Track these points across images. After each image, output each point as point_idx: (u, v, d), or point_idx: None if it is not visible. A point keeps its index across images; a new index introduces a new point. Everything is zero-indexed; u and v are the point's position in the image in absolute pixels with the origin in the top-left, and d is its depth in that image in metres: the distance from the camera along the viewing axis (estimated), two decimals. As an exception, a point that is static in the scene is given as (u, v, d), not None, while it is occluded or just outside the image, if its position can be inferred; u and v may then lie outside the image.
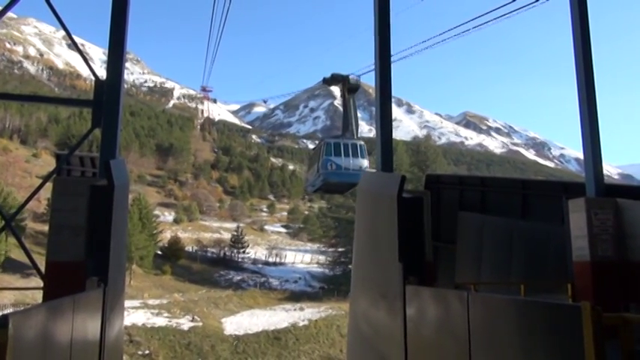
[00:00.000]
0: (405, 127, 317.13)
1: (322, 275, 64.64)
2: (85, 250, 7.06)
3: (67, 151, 18.22)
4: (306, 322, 36.20)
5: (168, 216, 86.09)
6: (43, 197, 52.40)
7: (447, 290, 7.59)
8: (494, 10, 12.27)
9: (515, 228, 12.13)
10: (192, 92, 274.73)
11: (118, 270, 8.28)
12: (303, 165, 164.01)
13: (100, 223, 7.14)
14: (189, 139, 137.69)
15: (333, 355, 32.26)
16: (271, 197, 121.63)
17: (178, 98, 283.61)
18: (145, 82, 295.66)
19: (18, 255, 39.37)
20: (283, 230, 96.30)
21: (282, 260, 71.69)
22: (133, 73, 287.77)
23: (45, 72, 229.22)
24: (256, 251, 73.35)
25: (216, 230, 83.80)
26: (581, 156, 10.38)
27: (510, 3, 11.49)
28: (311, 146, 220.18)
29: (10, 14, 9.67)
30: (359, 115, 21.96)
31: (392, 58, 10.25)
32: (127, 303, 27.71)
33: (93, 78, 8.52)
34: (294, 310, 41.07)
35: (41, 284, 7.21)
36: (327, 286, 55.34)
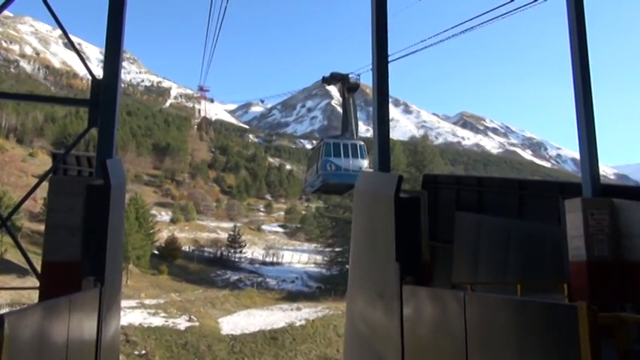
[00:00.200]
0: (402, 127, 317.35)
1: (319, 275, 64.64)
2: (82, 249, 7.04)
3: (63, 150, 18.15)
4: (303, 322, 36.19)
5: (165, 216, 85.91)
6: (40, 197, 52.24)
7: (443, 290, 7.60)
8: (491, 10, 12.27)
9: (512, 228, 12.15)
10: (189, 92, 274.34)
11: (115, 270, 8.26)
12: (301, 165, 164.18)
13: (97, 222, 7.13)
14: (186, 138, 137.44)
15: (330, 355, 32.26)
16: (268, 197, 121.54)
17: (175, 98, 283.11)
18: (142, 81, 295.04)
19: (14, 255, 39.24)
20: (280, 230, 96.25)
21: (279, 260, 71.65)
22: (130, 73, 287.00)
23: (41, 71, 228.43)
24: (253, 251, 73.28)
25: (213, 230, 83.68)
26: (577, 156, 10.42)
27: (508, 3, 11.50)
28: (308, 146, 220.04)
29: (6, 13, 9.64)
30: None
31: (389, 58, 10.26)
32: (124, 303, 27.63)
33: (89, 77, 8.50)
34: (291, 309, 41.05)
35: (37, 284, 7.19)
36: (324, 286, 55.35)
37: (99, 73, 8.58)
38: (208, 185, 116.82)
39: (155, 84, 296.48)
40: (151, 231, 59.62)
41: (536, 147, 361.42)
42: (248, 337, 33.27)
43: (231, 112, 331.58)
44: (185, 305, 39.11)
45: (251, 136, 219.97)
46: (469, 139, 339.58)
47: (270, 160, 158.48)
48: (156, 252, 60.61)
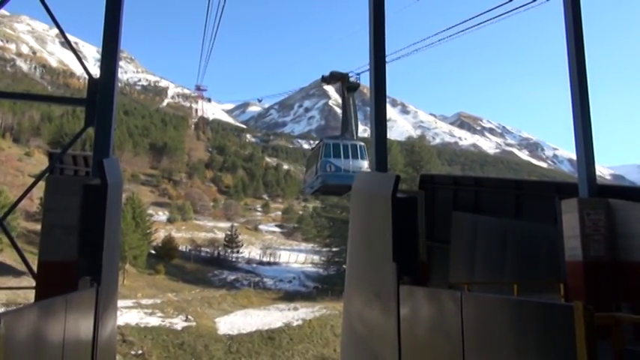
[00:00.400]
0: (400, 128, 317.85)
1: (316, 275, 64.65)
2: (78, 249, 7.02)
3: (59, 149, 18.10)
4: (300, 322, 36.17)
5: (162, 215, 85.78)
6: (36, 196, 52.05)
7: (440, 290, 7.61)
8: (488, 11, 12.30)
9: (509, 228, 12.18)
10: (186, 91, 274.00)
11: (111, 269, 8.24)
12: (298, 165, 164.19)
13: (93, 222, 7.11)
14: (183, 138, 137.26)
15: (327, 355, 32.25)
16: (265, 197, 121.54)
17: (172, 97, 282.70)
18: (139, 80, 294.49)
19: (10, 255, 39.08)
20: (277, 230, 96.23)
21: (277, 260, 71.63)
22: (127, 72, 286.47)
23: (38, 70, 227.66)
24: (250, 251, 73.25)
25: (210, 230, 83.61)
26: (574, 157, 10.44)
27: (505, 4, 11.53)
28: (306, 146, 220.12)
29: (2, 12, 9.60)
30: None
31: (387, 59, 10.27)
32: (120, 303, 27.58)
33: (86, 76, 8.47)
34: (288, 309, 41.04)
35: (33, 284, 7.17)
36: (321, 286, 55.36)
37: (96, 72, 8.55)
38: (205, 185, 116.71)
39: (152, 83, 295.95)
40: (148, 231, 59.51)
41: (533, 147, 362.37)
42: (245, 337, 33.23)
43: (229, 112, 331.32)
44: (182, 305, 39.04)
45: (248, 135, 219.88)
46: (466, 139, 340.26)
47: (268, 159, 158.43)
48: (153, 252, 60.51)
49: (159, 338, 30.90)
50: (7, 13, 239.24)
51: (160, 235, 66.39)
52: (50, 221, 7.20)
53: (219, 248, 70.39)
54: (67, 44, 9.60)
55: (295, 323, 35.94)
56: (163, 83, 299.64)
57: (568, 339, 3.46)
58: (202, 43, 63.76)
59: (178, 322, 33.99)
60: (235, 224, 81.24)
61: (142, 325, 32.04)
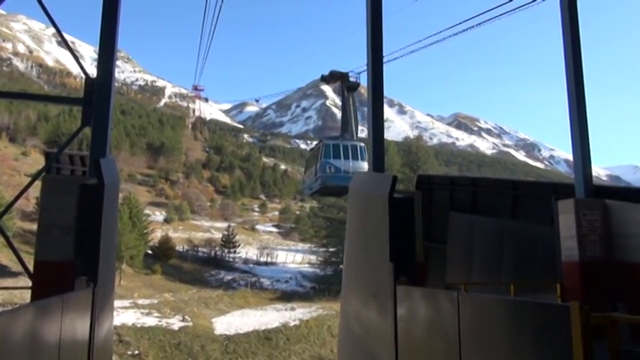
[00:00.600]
0: (397, 128, 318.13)
1: (313, 275, 64.59)
2: (75, 249, 7.00)
3: (56, 149, 18.05)
4: (297, 322, 36.12)
5: (159, 215, 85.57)
6: (32, 196, 51.87)
7: (437, 290, 7.62)
8: (485, 12, 12.34)
9: (506, 228, 12.21)
10: (183, 91, 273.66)
11: (108, 269, 8.23)
12: (295, 165, 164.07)
13: (90, 222, 7.09)
14: (180, 138, 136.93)
15: (324, 355, 32.23)
16: (263, 197, 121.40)
17: (170, 97, 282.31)
18: (136, 80, 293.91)
19: (6, 254, 38.93)
20: (275, 230, 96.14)
21: (274, 260, 71.57)
22: (124, 72, 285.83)
23: (34, 69, 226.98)
24: (247, 251, 73.14)
25: (207, 230, 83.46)
26: (570, 157, 10.48)
27: (502, 5, 11.57)
28: (303, 146, 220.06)
29: (-1, 11, 9.57)
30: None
31: (384, 59, 10.29)
32: (117, 303, 27.50)
33: (83, 76, 8.45)
34: (285, 309, 40.98)
35: (29, 284, 7.14)
36: (319, 286, 55.30)
37: (92, 71, 8.53)
38: (202, 185, 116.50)
39: (149, 83, 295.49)
40: (145, 231, 59.34)
41: (530, 148, 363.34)
42: (242, 337, 33.17)
43: (226, 112, 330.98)
44: (179, 305, 38.95)
45: (245, 135, 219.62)
46: (463, 139, 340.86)
47: (265, 160, 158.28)
48: (149, 252, 60.34)
49: (155, 338, 30.81)
50: (4, 12, 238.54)
51: (157, 235, 66.22)
52: (46, 221, 7.17)
53: (216, 248, 70.25)
54: (63, 43, 9.58)
55: (292, 323, 35.89)
56: (160, 83, 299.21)
57: (564, 339, 3.47)
58: (200, 43, 63.58)
59: (175, 323, 33.90)
60: (232, 224, 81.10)
61: (139, 326, 31.94)
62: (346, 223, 12.00)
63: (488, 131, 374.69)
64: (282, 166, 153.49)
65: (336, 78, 18.91)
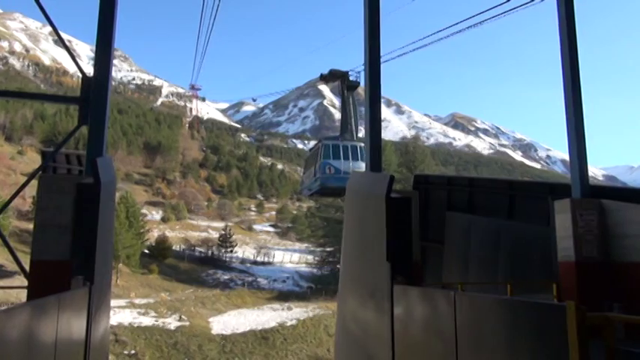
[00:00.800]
0: (394, 128, 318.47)
1: (310, 275, 64.61)
2: (71, 248, 6.99)
3: (52, 148, 17.99)
4: (294, 322, 36.13)
5: (156, 215, 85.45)
6: (28, 195, 51.69)
7: (434, 290, 7.63)
8: (482, 12, 12.35)
9: (502, 228, 12.23)
10: (180, 90, 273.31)
11: (104, 269, 8.20)
12: (292, 164, 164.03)
13: (87, 221, 7.08)
14: (177, 137, 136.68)
15: (321, 355, 32.25)
16: (260, 196, 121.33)
17: (167, 96, 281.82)
18: (133, 79, 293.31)
19: (2, 254, 38.75)
20: (272, 230, 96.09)
21: (271, 260, 71.54)
22: (121, 70, 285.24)
23: (31, 68, 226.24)
24: (244, 250, 73.10)
25: (204, 229, 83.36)
26: (567, 157, 10.51)
27: (499, 5, 11.58)
28: (300, 146, 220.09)
29: (-5, 9, 9.52)
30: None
31: (381, 59, 10.29)
32: (113, 302, 27.44)
33: (80, 75, 8.43)
34: (282, 309, 40.97)
35: (26, 283, 7.12)
36: (316, 286, 55.31)
37: (89, 70, 8.51)
38: (199, 184, 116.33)
39: (146, 82, 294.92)
40: (142, 230, 59.24)
41: (527, 148, 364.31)
42: (239, 336, 33.16)
43: (223, 111, 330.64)
44: (175, 305, 38.90)
45: (243, 135, 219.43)
46: (460, 139, 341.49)
47: (262, 159, 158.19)
48: (146, 251, 60.23)
49: (152, 338, 30.76)
50: (0, 11, 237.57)
51: (154, 234, 66.11)
52: (43, 220, 7.15)
53: (213, 248, 70.18)
54: (60, 42, 9.54)
55: (289, 323, 35.90)
56: (157, 82, 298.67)
57: (560, 338, 3.48)
58: (197, 42, 63.44)
59: (172, 322, 33.86)
60: (229, 224, 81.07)
61: (135, 325, 31.88)
62: (343, 223, 12.00)
63: (485, 131, 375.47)
64: (279, 166, 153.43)
65: (336, 77, 18.64)
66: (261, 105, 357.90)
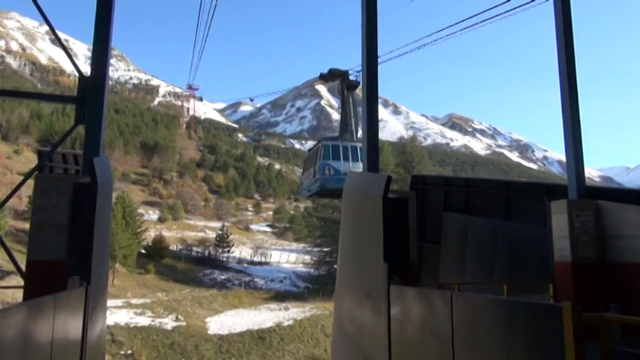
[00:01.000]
0: (391, 128, 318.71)
1: (307, 275, 64.59)
2: (67, 248, 6.96)
3: (49, 147, 17.93)
4: (290, 322, 36.10)
5: (153, 214, 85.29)
6: (25, 194, 51.49)
7: (431, 290, 7.64)
8: (479, 13, 12.37)
9: (499, 229, 12.26)
10: (178, 90, 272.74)
11: (101, 269, 8.19)
12: (290, 165, 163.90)
13: (83, 221, 7.06)
14: (174, 137, 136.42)
15: (318, 355, 32.24)
16: (257, 196, 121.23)
17: (164, 96, 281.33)
18: (130, 79, 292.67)
19: (-3, 253, 38.60)
20: (269, 230, 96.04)
21: (268, 260, 71.49)
22: (118, 70, 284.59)
23: (27, 67, 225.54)
24: (241, 251, 73.02)
25: (201, 229, 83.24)
26: (563, 158, 10.54)
27: (497, 6, 11.61)
28: (297, 146, 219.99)
29: (-9, 8, 9.49)
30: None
31: (379, 60, 10.30)
32: (110, 302, 27.35)
33: (77, 74, 8.40)
34: (279, 309, 40.94)
35: (22, 283, 7.10)
36: (312, 286, 55.30)
37: (86, 69, 8.49)
38: (196, 184, 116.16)
39: (143, 82, 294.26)
40: (138, 230, 59.14)
41: (524, 149, 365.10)
42: (235, 336, 33.11)
43: (221, 111, 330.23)
44: (172, 305, 38.83)
45: (240, 135, 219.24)
46: (457, 140, 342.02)
47: (259, 159, 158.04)
48: (143, 251, 60.12)
49: (149, 338, 30.69)
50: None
51: (151, 234, 65.99)
52: (39, 220, 7.13)
53: (210, 248, 70.09)
54: (57, 41, 9.53)
55: (286, 323, 35.87)
56: (155, 82, 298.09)
57: (557, 338, 3.49)
58: (194, 42, 63.58)
59: (168, 322, 33.79)
60: (226, 224, 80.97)
61: (132, 325, 31.81)
62: (340, 223, 12.00)
63: (482, 132, 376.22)
64: (277, 166, 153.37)
65: (335, 76, 18.38)
66: (258, 105, 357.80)
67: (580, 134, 9.98)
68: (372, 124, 9.97)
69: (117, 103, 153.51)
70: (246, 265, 68.75)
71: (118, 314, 33.03)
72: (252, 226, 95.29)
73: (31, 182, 8.18)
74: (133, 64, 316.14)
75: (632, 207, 8.76)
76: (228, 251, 70.15)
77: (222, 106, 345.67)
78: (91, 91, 8.21)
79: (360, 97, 10.71)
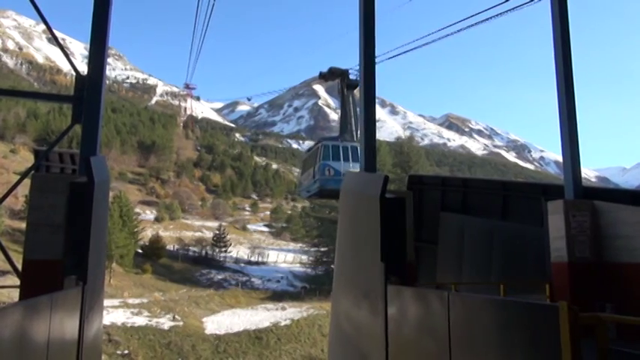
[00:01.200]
0: (389, 128, 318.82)
1: (304, 275, 64.62)
2: (64, 248, 6.95)
3: (45, 147, 17.88)
4: (287, 322, 36.13)
5: (150, 214, 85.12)
6: (21, 194, 51.33)
7: (428, 290, 7.66)
8: (477, 14, 12.42)
9: (496, 229, 12.29)
10: (175, 89, 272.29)
11: (98, 268, 8.17)
12: (287, 164, 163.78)
13: (80, 220, 7.04)
14: (171, 136, 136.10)
15: (315, 355, 32.26)
16: (254, 196, 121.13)
17: (161, 95, 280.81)
18: (127, 78, 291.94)
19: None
20: (266, 229, 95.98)
21: (265, 260, 71.46)
22: (115, 69, 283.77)
23: (24, 66, 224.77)
24: (238, 250, 72.96)
25: (198, 229, 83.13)
26: (560, 159, 10.57)
27: (495, 6, 11.65)
28: (295, 146, 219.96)
29: (-12, 6, 9.46)
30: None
31: (376, 60, 10.31)
32: (107, 302, 27.30)
33: (73, 73, 8.38)
34: (276, 309, 40.97)
35: (18, 283, 7.08)
36: (310, 286, 55.33)
37: (83, 69, 8.46)
38: (194, 184, 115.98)
39: (141, 81, 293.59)
40: (135, 229, 59.01)
41: (520, 149, 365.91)
42: (232, 336, 33.11)
43: (218, 111, 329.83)
44: (169, 304, 38.78)
45: (237, 134, 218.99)
46: (454, 140, 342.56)
47: (257, 159, 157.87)
48: (140, 251, 60.04)
49: (145, 338, 30.66)
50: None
51: (148, 234, 65.89)
52: (35, 219, 7.10)
53: (207, 248, 70.03)
54: (54, 40, 9.49)
55: (283, 323, 35.89)
56: (152, 81, 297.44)
57: (553, 338, 3.50)
58: (192, 41, 63.04)
59: (165, 322, 33.76)
60: (223, 223, 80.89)
61: (129, 325, 31.77)
62: (338, 223, 12.00)
63: (480, 132, 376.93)
64: (274, 166, 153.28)
65: (335, 75, 18.13)
66: (255, 105, 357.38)
67: (576, 135, 10.02)
68: (370, 124, 9.98)
69: (114, 102, 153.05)
70: (243, 264, 68.72)
71: (114, 314, 32.98)
72: (249, 226, 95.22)
73: (27, 182, 8.15)
74: (130, 63, 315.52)
75: (628, 207, 8.80)
76: (225, 251, 70.09)
77: (219, 105, 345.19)
78: (88, 90, 8.19)
79: (358, 97, 10.71)
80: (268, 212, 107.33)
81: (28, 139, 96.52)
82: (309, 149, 21.00)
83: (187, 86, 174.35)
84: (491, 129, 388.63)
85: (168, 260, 62.50)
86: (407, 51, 16.27)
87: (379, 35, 10.21)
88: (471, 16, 12.61)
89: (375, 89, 10.11)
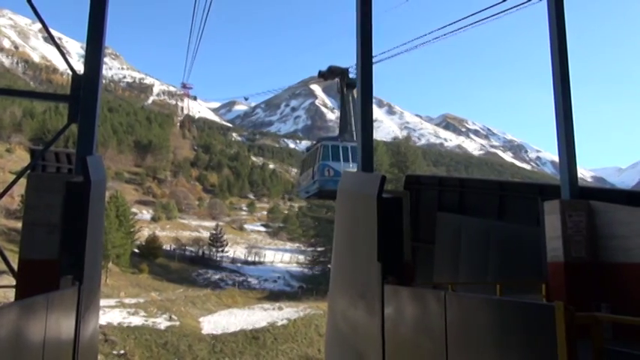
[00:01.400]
0: (386, 128, 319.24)
1: (301, 275, 64.61)
2: (60, 247, 6.92)
3: (42, 146, 17.82)
4: (284, 322, 36.10)
5: (146, 214, 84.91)
6: (17, 193, 51.11)
7: (424, 290, 7.67)
8: (474, 14, 12.42)
9: (492, 229, 12.31)
10: (172, 89, 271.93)
11: (94, 268, 8.15)
12: (284, 164, 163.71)
13: (76, 220, 7.02)
14: (168, 136, 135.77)
15: (312, 355, 32.25)
16: (251, 196, 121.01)
17: (158, 95, 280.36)
18: (124, 77, 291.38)
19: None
20: (263, 229, 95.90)
21: (262, 259, 71.38)
22: (112, 68, 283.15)
23: (20, 65, 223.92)
24: (235, 250, 72.85)
25: (195, 229, 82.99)
26: (556, 159, 10.60)
27: (492, 6, 11.66)
28: (292, 145, 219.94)
29: (-16, 5, 9.42)
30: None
31: (374, 60, 10.31)
32: (103, 302, 27.20)
33: (70, 72, 8.36)
34: (273, 309, 40.92)
35: (14, 283, 7.05)
36: (306, 286, 55.34)
37: (79, 68, 8.44)
38: (190, 184, 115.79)
39: (137, 80, 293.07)
40: (132, 229, 58.85)
41: (517, 149, 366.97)
42: (229, 336, 33.06)
43: (215, 111, 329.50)
44: (165, 304, 38.68)
45: (234, 134, 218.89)
46: (451, 140, 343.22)
47: (254, 159, 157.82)
48: (136, 250, 59.88)
49: (142, 338, 30.57)
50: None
51: (144, 233, 65.72)
52: (31, 219, 7.08)
53: (204, 247, 69.91)
54: (50, 39, 9.47)
55: (280, 323, 35.86)
56: (149, 80, 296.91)
57: (549, 338, 3.51)
58: (189, 41, 62.99)
59: (162, 322, 33.67)
60: (220, 223, 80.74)
61: (125, 325, 31.67)
62: (335, 223, 12.00)
63: (476, 132, 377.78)
64: (271, 166, 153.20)
65: (335, 74, 17.86)
66: (252, 104, 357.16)
67: (573, 135, 10.05)
68: (367, 125, 9.98)
69: (110, 101, 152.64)
70: (240, 264, 68.63)
71: (110, 314, 32.87)
72: (246, 226, 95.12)
73: (23, 181, 8.12)
74: (127, 62, 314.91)
75: (624, 207, 8.83)
76: (222, 251, 69.99)
77: (216, 105, 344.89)
78: (84, 89, 8.16)
79: (355, 97, 10.72)
80: (265, 212, 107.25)
81: (24, 138, 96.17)
82: (308, 149, 20.76)
83: (184, 86, 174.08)
84: (488, 129, 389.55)
85: (164, 260, 62.37)
86: (404, 51, 16.24)
87: (376, 35, 10.21)
88: (469, 16, 12.62)
89: (373, 89, 10.11)
